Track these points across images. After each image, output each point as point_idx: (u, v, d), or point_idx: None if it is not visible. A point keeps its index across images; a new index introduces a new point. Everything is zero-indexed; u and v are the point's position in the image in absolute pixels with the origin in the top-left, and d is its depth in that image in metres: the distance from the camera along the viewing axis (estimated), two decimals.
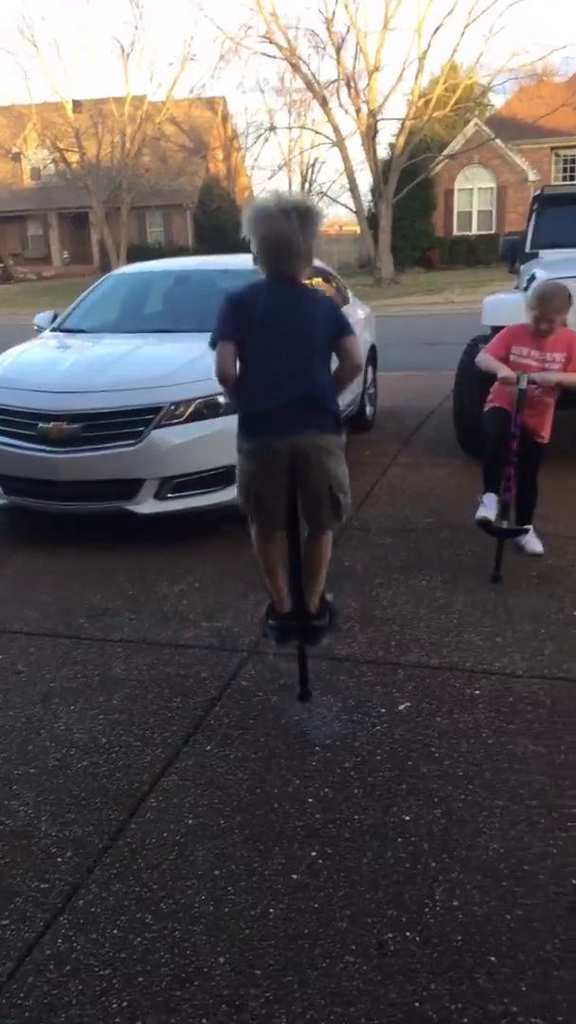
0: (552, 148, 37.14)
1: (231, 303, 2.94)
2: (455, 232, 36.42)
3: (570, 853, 2.41)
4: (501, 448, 4.39)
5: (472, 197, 36.91)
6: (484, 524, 4.39)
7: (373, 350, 8.19)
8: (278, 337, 2.86)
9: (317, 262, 7.61)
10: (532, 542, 4.66)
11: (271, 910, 2.25)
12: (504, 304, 6.33)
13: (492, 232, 35.22)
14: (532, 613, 3.90)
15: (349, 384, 3.13)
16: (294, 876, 2.37)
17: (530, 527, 4.67)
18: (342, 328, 2.97)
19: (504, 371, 4.34)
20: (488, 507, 4.46)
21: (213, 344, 2.92)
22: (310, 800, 2.69)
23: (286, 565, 3.14)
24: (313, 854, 2.46)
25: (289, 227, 2.78)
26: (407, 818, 2.59)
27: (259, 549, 3.13)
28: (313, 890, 2.32)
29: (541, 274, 5.95)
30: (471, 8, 28.78)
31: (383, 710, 3.18)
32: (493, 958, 2.08)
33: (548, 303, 4.22)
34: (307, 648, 3.22)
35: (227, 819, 2.62)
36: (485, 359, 4.50)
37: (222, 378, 2.96)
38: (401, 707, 3.20)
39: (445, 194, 35.77)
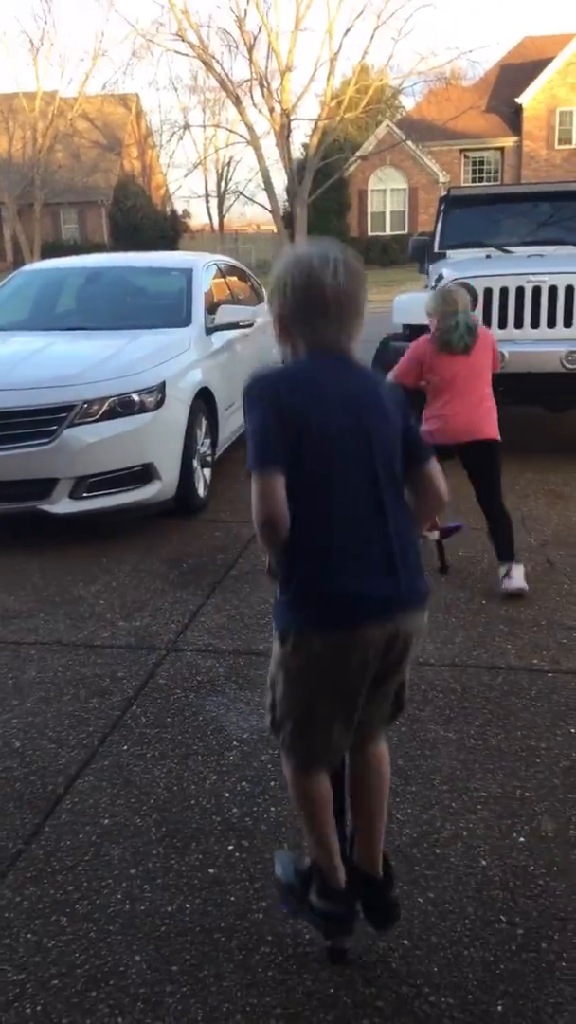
0: (461, 150, 37.90)
1: (262, 399, 1.84)
2: (369, 232, 36.83)
3: (479, 835, 2.47)
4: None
5: (385, 198, 37.38)
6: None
7: None
8: (357, 454, 1.83)
9: (229, 259, 7.66)
10: (516, 579, 4.06)
11: (187, 905, 2.25)
12: (414, 303, 6.44)
13: (405, 232, 35.72)
14: (443, 603, 3.98)
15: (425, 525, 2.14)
16: (211, 871, 2.38)
17: (514, 566, 4.09)
18: (418, 443, 1.96)
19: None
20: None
21: (252, 468, 1.81)
22: (227, 795, 2.70)
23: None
24: (230, 848, 2.47)
25: (349, 280, 1.90)
26: None
27: (310, 791, 2.00)
28: (230, 883, 2.33)
29: (448, 273, 6.09)
30: (380, 11, 29.12)
31: None
32: (406, 941, 2.12)
33: (445, 305, 4.15)
34: (379, 930, 2.11)
35: (143, 818, 2.60)
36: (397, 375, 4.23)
37: (270, 525, 1.79)
38: None
39: (359, 194, 36.18)
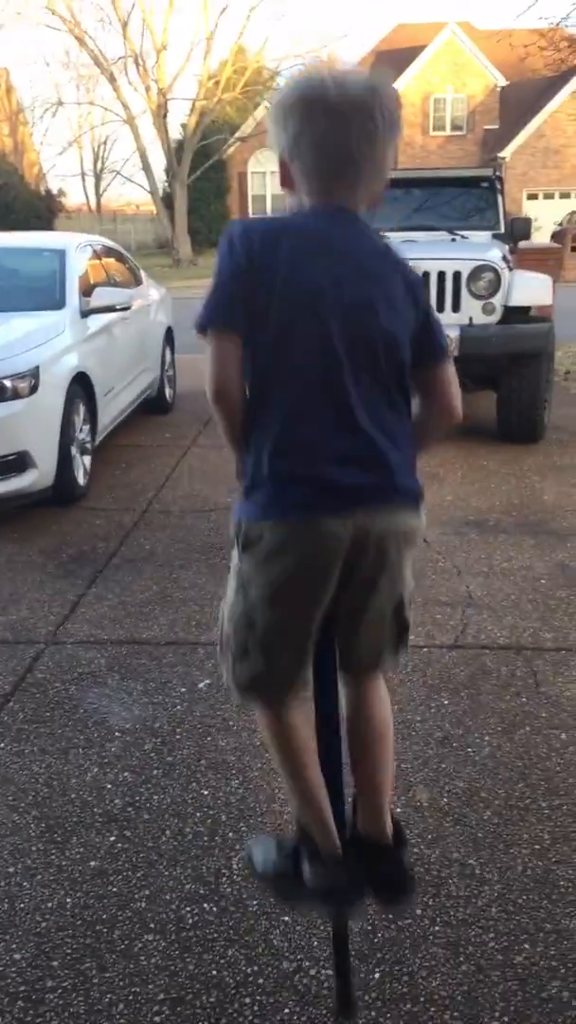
0: None
1: (233, 245, 1.57)
2: (251, 215, 36.74)
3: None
4: None
5: (265, 180, 37.34)
6: None
7: (170, 332, 8.16)
8: (340, 327, 1.56)
9: (105, 241, 7.52)
10: None
11: (68, 900, 2.23)
12: None
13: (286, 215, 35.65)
14: None
15: (432, 447, 1.81)
16: (92, 863, 2.36)
17: None
18: (431, 338, 1.68)
19: None
20: None
21: (201, 329, 1.58)
22: (108, 786, 2.68)
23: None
24: (112, 839, 2.45)
25: (376, 115, 1.55)
26: (205, 792, 2.63)
27: (279, 735, 1.72)
28: (112, 874, 2.32)
29: None
30: None
31: (183, 689, 3.21)
32: (287, 918, 2.15)
33: None
34: (390, 905, 1.97)
35: (21, 815, 2.55)
36: None
37: (216, 397, 1.60)
38: (201, 685, 3.24)
39: (239, 176, 36.04)
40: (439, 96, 37.17)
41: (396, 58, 37.46)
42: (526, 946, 2.04)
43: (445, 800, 2.56)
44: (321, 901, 1.79)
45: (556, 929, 2.09)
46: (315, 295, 1.54)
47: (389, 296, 1.60)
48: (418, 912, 2.15)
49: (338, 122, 1.53)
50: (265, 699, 1.71)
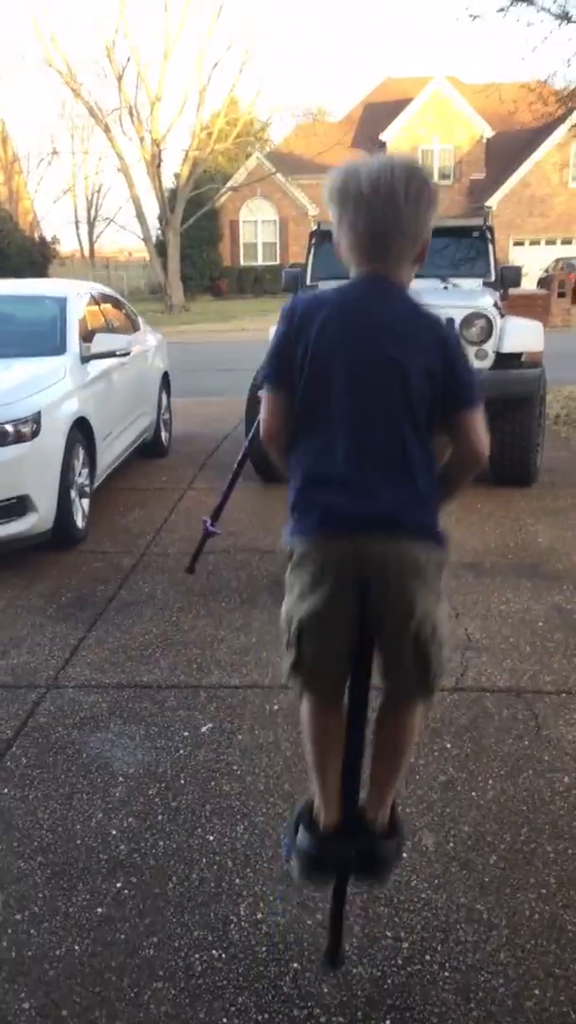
0: None
1: (284, 318, 1.87)
2: (242, 262, 37.30)
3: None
4: None
5: (256, 228, 37.98)
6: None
7: (166, 376, 8.25)
8: (354, 380, 1.80)
9: (104, 288, 7.65)
10: None
11: (76, 947, 2.22)
12: None
13: (277, 263, 36.39)
14: None
15: (462, 488, 1.96)
16: (99, 910, 2.35)
17: None
18: (458, 387, 1.83)
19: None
20: None
21: (260, 386, 1.95)
22: (114, 832, 2.67)
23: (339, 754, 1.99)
24: (118, 885, 2.44)
25: (398, 196, 1.77)
26: (211, 838, 2.63)
27: (310, 726, 2.00)
28: (119, 921, 2.31)
29: None
30: (247, 48, 29.77)
31: (186, 733, 3.21)
32: (296, 964, 2.15)
33: None
34: (362, 883, 2.17)
35: (27, 861, 2.55)
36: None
37: (268, 440, 1.96)
38: (203, 729, 3.24)
39: (231, 225, 36.64)
40: (426, 147, 37.96)
41: (385, 110, 38.38)
42: (536, 992, 2.04)
43: (451, 845, 2.56)
44: (299, 859, 2.03)
45: (566, 974, 2.09)
46: (336, 356, 1.81)
47: (408, 352, 1.79)
48: (427, 958, 2.15)
49: (365, 209, 1.80)
50: (301, 689, 1.96)
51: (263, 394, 1.92)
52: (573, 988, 2.05)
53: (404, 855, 2.45)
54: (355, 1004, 2.03)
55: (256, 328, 22.19)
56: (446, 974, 2.11)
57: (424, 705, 2.00)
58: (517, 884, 2.39)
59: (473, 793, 2.79)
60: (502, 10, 8.40)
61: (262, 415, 1.93)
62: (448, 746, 3.06)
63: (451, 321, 1.84)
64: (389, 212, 1.78)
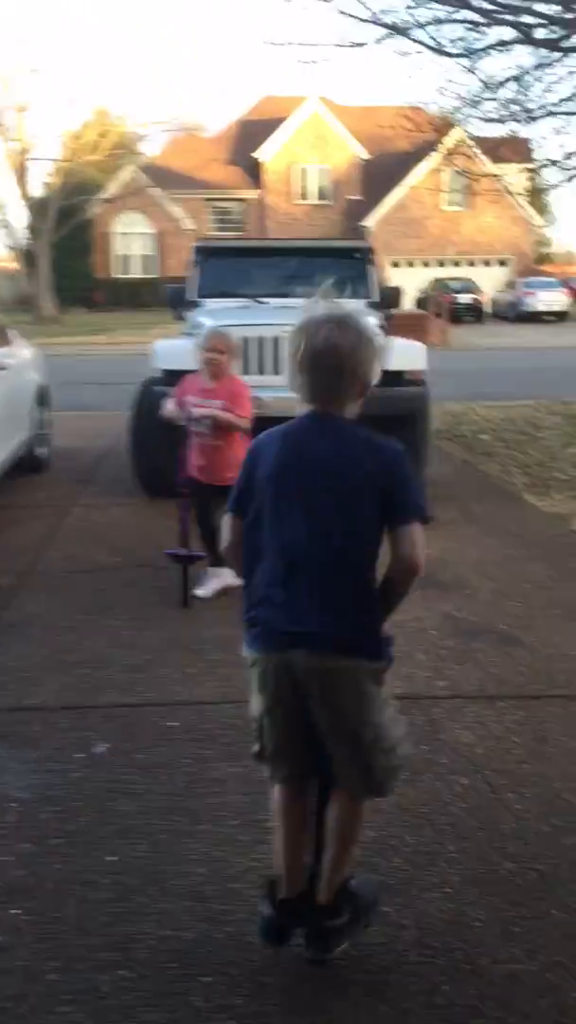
0: (206, 199, 39.04)
1: (248, 454, 2.15)
2: (116, 274, 36.95)
3: (270, 865, 2.52)
4: (205, 522, 4.68)
5: (131, 241, 37.74)
6: (173, 555, 4.68)
7: (43, 390, 8.07)
8: (292, 503, 2.00)
9: None
10: (208, 587, 4.74)
11: None
12: (174, 349, 6.57)
13: (154, 276, 36.25)
14: (219, 643, 4.04)
15: (400, 596, 2.08)
16: None
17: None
18: (397, 505, 1.99)
19: (166, 411, 4.84)
20: (205, 586, 4.73)
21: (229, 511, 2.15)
22: (9, 858, 2.57)
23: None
24: (15, 912, 2.35)
25: (343, 340, 1.99)
26: (111, 859, 2.57)
27: (274, 807, 2.22)
28: (18, 948, 2.22)
29: (207, 322, 6.25)
30: (120, 59, 29.63)
31: (81, 755, 3.13)
32: (208, 978, 2.12)
33: (209, 338, 4.76)
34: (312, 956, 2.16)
35: None
36: (166, 410, 4.89)
37: (226, 556, 2.31)
38: (99, 749, 3.17)
39: (104, 237, 36.26)
40: (303, 166, 38.67)
41: (262, 128, 38.84)
42: (446, 987, 2.09)
43: (356, 850, 2.59)
44: (260, 928, 2.19)
45: (473, 969, 2.14)
46: (277, 487, 2.02)
47: (345, 482, 1.99)
48: (341, 962, 2.16)
49: (313, 364, 2.01)
50: (269, 774, 2.22)
51: (226, 517, 2.15)
52: (481, 981, 2.10)
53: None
54: (270, 1012, 2.02)
55: (132, 342, 22.00)
56: (359, 976, 2.12)
57: (355, 804, 2.16)
58: (422, 885, 2.44)
59: (376, 799, 2.83)
60: (380, 40, 8.65)
61: (224, 533, 2.18)
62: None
63: (398, 446, 2.06)
64: (334, 370, 2.00)
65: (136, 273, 36.93)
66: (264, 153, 37.78)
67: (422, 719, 3.33)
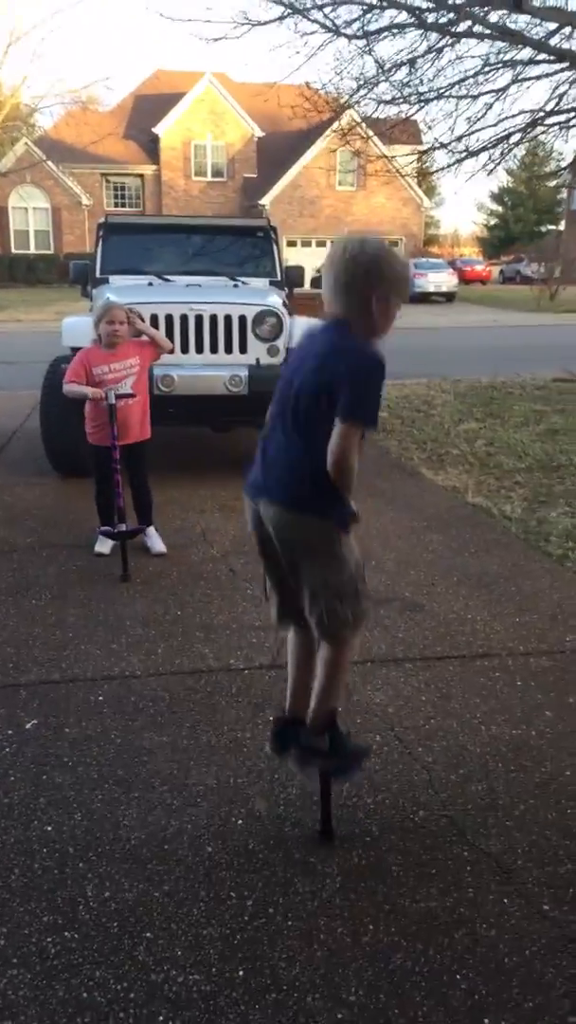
0: (102, 174, 38.26)
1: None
2: (13, 250, 35.90)
3: (201, 825, 2.67)
4: (106, 484, 4.87)
5: (28, 216, 36.67)
6: (102, 543, 4.95)
7: None
8: (280, 389, 2.46)
9: None
10: (156, 543, 5.06)
11: None
12: (82, 326, 6.54)
13: (51, 252, 35.37)
14: (141, 618, 4.14)
15: (338, 484, 2.37)
16: None
17: (150, 526, 5.10)
18: (331, 402, 2.29)
19: (91, 391, 4.75)
20: (103, 542, 4.98)
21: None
22: None
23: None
24: None
25: (344, 252, 2.36)
26: (49, 828, 2.66)
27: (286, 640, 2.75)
28: None
29: (114, 298, 6.25)
30: (12, 29, 28.62)
31: (10, 731, 3.19)
32: (149, 934, 2.25)
33: (109, 312, 4.86)
34: (301, 769, 2.68)
35: None
36: (70, 388, 4.85)
37: None
38: (28, 725, 3.23)
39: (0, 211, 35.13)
40: (199, 143, 38.27)
41: (156, 102, 38.21)
42: (370, 927, 2.27)
43: (281, 808, 2.75)
44: (269, 742, 2.76)
45: (394, 909, 2.33)
46: (282, 373, 2.51)
47: (318, 374, 2.33)
48: (271, 911, 2.32)
49: (328, 271, 2.39)
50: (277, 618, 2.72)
51: None
52: (401, 920, 2.29)
53: (240, 822, 2.61)
54: (209, 961, 2.17)
55: (34, 319, 21.50)
56: (289, 923, 2.29)
57: (334, 643, 2.53)
58: (344, 835, 2.62)
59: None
60: (281, 18, 8.70)
61: None
62: (270, 719, 3.24)
63: (364, 346, 2.34)
64: (339, 280, 2.36)
65: (32, 248, 35.97)
66: (160, 128, 37.22)
67: None
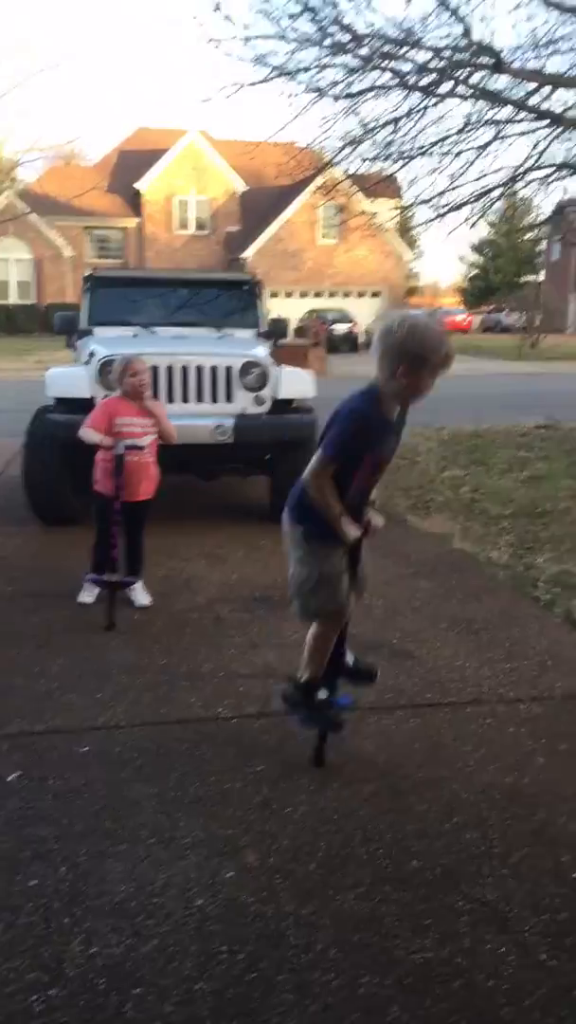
0: (85, 227, 38.85)
1: None
2: None
3: (192, 878, 2.61)
4: (105, 535, 4.84)
5: (8, 267, 37.11)
6: (87, 591, 4.95)
7: None
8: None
9: None
10: (140, 596, 5.01)
11: None
12: (66, 377, 6.60)
13: (32, 302, 35.70)
14: (127, 666, 4.10)
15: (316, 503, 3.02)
16: None
17: (138, 580, 5.05)
18: (322, 440, 3.00)
19: (102, 438, 4.79)
20: (89, 591, 4.95)
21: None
22: None
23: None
24: None
25: (382, 327, 2.88)
26: (33, 883, 2.59)
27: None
28: None
29: (100, 350, 6.31)
30: None
31: None
32: (137, 990, 2.19)
33: (130, 363, 4.87)
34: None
35: None
36: (85, 432, 4.84)
37: None
38: (10, 778, 3.17)
39: None
40: (182, 197, 38.98)
41: (139, 159, 38.98)
42: (365, 979, 2.22)
43: (272, 859, 2.70)
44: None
45: (389, 960, 2.28)
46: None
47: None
48: (263, 965, 2.26)
49: (374, 343, 2.88)
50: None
51: None
52: (397, 971, 2.24)
53: (230, 874, 2.55)
54: (200, 1017, 2.10)
55: (13, 368, 21.61)
56: (282, 977, 2.23)
57: (315, 625, 3.24)
58: (337, 887, 2.57)
59: (288, 809, 2.96)
60: (267, 80, 8.93)
61: None
62: (259, 768, 3.21)
63: (355, 398, 2.94)
64: (376, 347, 2.86)
65: (14, 299, 36.31)
66: (143, 183, 37.92)
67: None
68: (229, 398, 6.38)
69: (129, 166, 38.90)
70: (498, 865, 2.68)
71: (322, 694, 3.25)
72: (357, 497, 3.06)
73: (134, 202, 38.67)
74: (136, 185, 37.94)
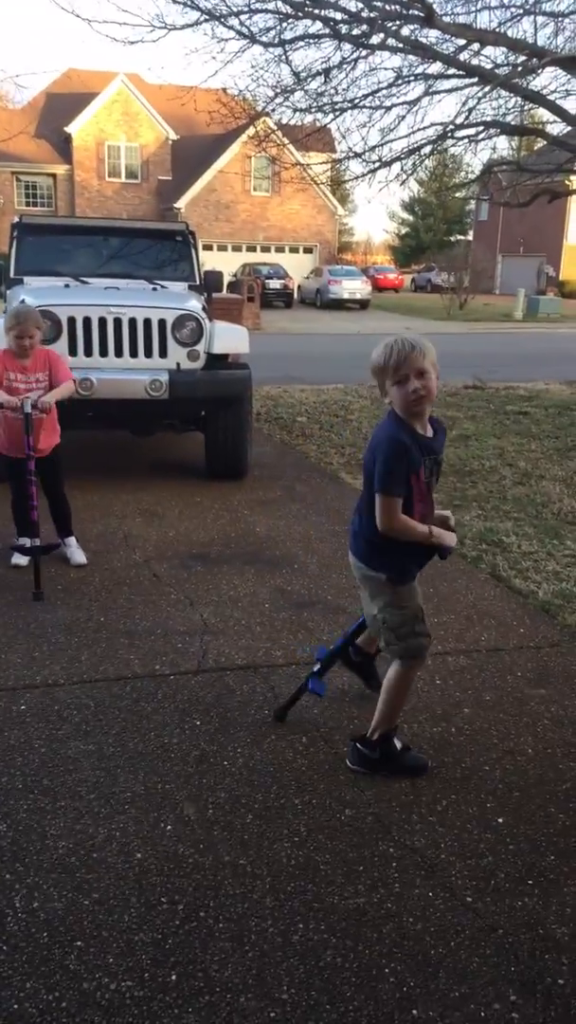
0: (13, 173, 37.53)
1: None
2: None
3: (131, 832, 2.66)
4: (21, 494, 4.72)
5: None
6: (19, 554, 4.83)
7: None
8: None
9: None
10: (76, 554, 4.96)
11: None
12: None
13: None
14: (64, 625, 4.09)
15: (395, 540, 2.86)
16: None
17: (70, 536, 5.00)
18: (370, 478, 2.86)
19: (5, 397, 4.56)
20: (21, 555, 4.83)
21: None
22: None
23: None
24: None
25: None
26: None
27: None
28: None
29: (30, 300, 6.15)
30: None
31: None
32: (79, 943, 2.24)
33: (25, 321, 4.60)
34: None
35: None
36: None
37: None
38: None
39: None
40: (113, 143, 37.88)
41: (68, 101, 37.66)
42: (300, 926, 2.31)
43: (211, 811, 2.77)
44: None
45: (323, 907, 2.37)
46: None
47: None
48: (202, 914, 2.33)
49: None
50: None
51: None
52: (331, 917, 2.34)
53: (169, 827, 2.61)
54: (141, 966, 2.17)
55: None
56: (220, 925, 2.30)
57: (397, 664, 3.00)
58: (273, 837, 2.65)
59: (225, 762, 3.02)
60: (197, 23, 8.70)
61: None
62: (198, 723, 3.26)
63: (382, 426, 2.86)
64: None
65: None
66: (73, 127, 36.69)
67: (263, 687, 3.55)
68: (163, 353, 6.30)
69: (58, 110, 37.57)
70: (426, 813, 2.79)
71: (397, 744, 3.06)
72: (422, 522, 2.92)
73: (63, 148, 37.43)
74: (67, 129, 36.68)
